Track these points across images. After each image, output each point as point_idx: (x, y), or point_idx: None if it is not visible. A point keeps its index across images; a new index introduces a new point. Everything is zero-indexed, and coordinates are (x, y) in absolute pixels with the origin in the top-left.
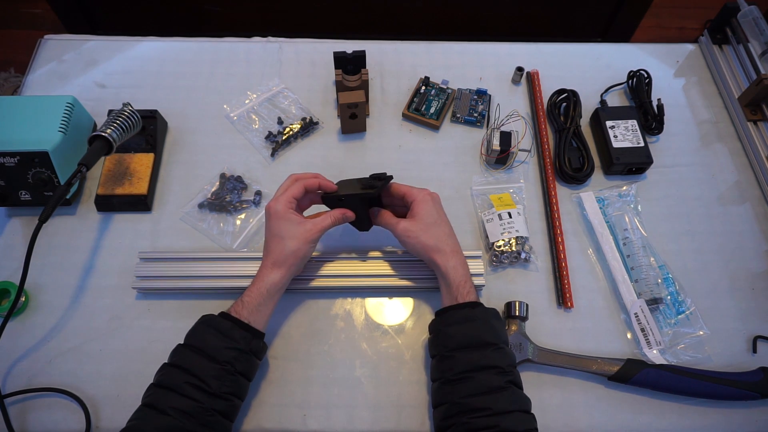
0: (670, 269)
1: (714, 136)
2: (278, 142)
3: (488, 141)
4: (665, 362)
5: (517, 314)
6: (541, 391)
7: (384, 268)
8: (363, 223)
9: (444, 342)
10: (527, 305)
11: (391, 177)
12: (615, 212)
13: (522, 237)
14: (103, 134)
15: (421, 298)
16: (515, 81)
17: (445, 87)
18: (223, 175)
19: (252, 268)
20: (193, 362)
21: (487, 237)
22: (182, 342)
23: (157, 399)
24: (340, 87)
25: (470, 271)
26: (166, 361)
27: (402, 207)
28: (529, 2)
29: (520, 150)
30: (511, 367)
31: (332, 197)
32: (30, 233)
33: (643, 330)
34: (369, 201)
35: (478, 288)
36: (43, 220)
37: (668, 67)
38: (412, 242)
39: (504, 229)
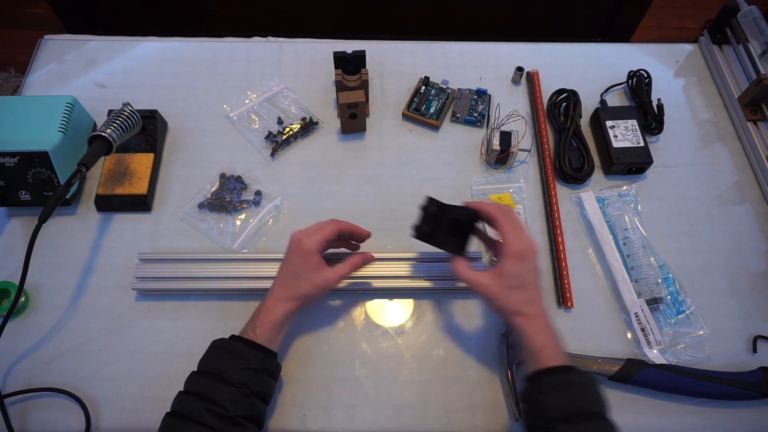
0: (670, 269)
1: (714, 136)
2: (278, 142)
3: (488, 141)
4: (665, 362)
5: None
6: None
7: (386, 269)
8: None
9: (540, 413)
10: None
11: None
12: (615, 212)
13: None
14: (103, 134)
15: (422, 299)
16: (515, 81)
17: (445, 87)
18: (223, 175)
19: (252, 269)
20: (208, 387)
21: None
22: (195, 368)
23: (173, 429)
24: (339, 87)
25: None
26: (182, 390)
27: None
28: (529, 2)
29: (520, 150)
30: None
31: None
32: (30, 233)
33: (643, 330)
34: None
35: None
36: (42, 220)
37: (668, 67)
38: (491, 304)
39: None
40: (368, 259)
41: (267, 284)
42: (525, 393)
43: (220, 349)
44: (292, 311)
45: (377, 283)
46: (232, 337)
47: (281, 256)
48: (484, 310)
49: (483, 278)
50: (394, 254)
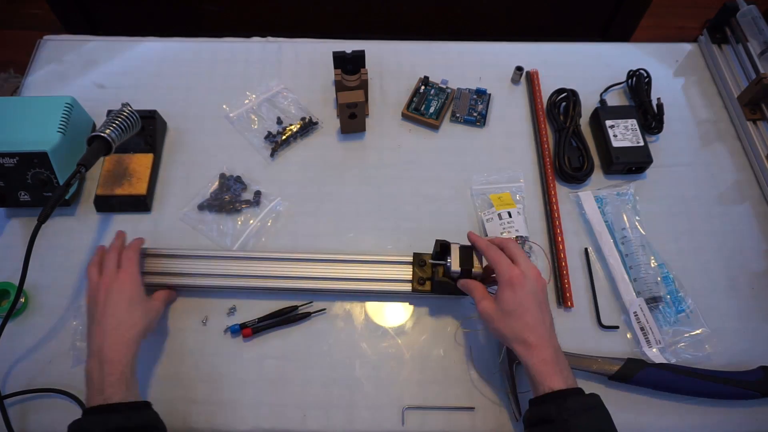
0: (670, 268)
1: (713, 136)
2: (278, 142)
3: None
4: (665, 361)
5: None
6: None
7: (384, 272)
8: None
9: None
10: None
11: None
12: (613, 211)
13: (522, 236)
14: (102, 134)
15: (422, 300)
16: (515, 81)
17: (444, 86)
18: (222, 176)
19: (248, 267)
20: None
21: (487, 236)
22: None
23: None
24: (339, 87)
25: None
26: None
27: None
28: (529, 2)
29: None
30: None
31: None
32: (29, 234)
33: (642, 329)
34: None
35: None
36: (42, 221)
37: (668, 66)
38: (490, 328)
39: (504, 228)
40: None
41: (268, 283)
42: (545, 411)
43: None
44: (135, 354)
45: (375, 286)
46: (86, 411)
47: (277, 255)
48: None
49: (484, 304)
50: (393, 257)
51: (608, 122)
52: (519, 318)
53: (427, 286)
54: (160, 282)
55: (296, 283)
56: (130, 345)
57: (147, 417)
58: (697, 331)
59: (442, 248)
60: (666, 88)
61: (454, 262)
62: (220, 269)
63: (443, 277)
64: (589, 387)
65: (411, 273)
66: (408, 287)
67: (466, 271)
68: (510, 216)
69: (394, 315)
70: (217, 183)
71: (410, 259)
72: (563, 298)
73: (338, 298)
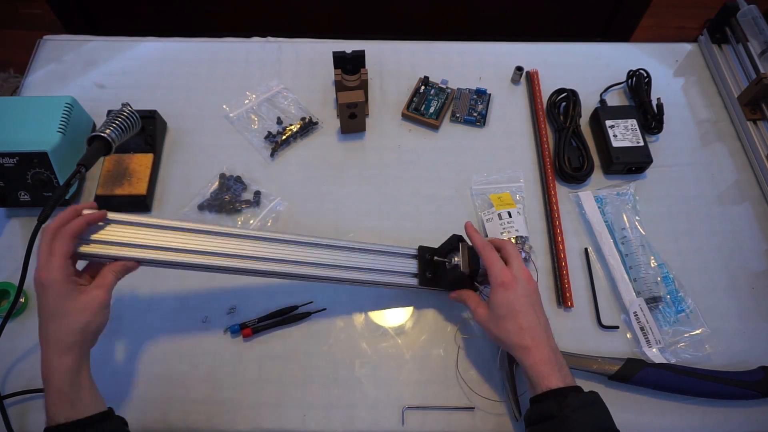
0: (670, 268)
1: (713, 136)
2: (278, 142)
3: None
4: (665, 361)
5: None
6: None
7: (389, 264)
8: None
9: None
10: None
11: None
12: (613, 211)
13: (522, 236)
14: (102, 134)
15: (421, 299)
16: (515, 81)
17: (444, 86)
18: (222, 175)
19: (247, 247)
20: None
21: (486, 236)
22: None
23: None
24: (339, 87)
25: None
26: None
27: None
28: (529, 2)
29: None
30: None
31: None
32: (29, 234)
33: (642, 329)
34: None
35: None
36: (42, 221)
37: (668, 66)
38: (489, 335)
39: (504, 228)
40: (131, 267)
41: (267, 266)
42: (545, 408)
43: None
44: (73, 363)
45: (379, 277)
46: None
47: (278, 236)
48: None
49: (480, 311)
50: (397, 248)
51: (608, 122)
52: (513, 321)
53: (433, 279)
54: (149, 257)
55: (297, 268)
56: (62, 357)
57: (102, 430)
58: (697, 331)
59: (455, 244)
60: (666, 88)
61: (464, 263)
62: (218, 247)
63: (453, 271)
64: (589, 387)
65: (417, 267)
66: (414, 281)
67: (474, 272)
68: (510, 216)
69: (394, 315)
70: (217, 183)
71: (415, 252)
72: (563, 298)
73: (341, 288)
